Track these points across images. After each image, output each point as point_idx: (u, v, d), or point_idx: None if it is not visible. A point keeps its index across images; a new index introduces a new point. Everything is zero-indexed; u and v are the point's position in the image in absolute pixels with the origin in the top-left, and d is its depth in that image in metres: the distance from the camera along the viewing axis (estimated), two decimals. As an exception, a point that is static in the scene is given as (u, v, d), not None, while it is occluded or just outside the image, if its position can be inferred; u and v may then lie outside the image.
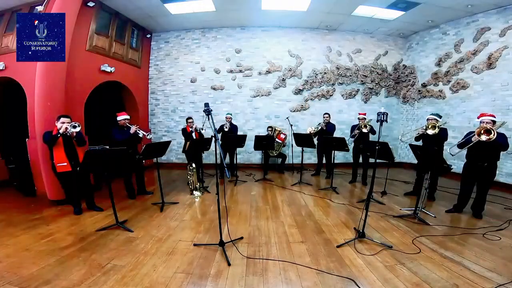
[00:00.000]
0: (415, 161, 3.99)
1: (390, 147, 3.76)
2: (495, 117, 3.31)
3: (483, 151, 3.28)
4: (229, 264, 2.37)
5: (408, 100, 7.23)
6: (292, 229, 3.18)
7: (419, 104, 6.93)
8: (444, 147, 4.07)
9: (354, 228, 3.09)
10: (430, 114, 4.15)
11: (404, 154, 7.33)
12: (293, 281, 2.15)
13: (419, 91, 6.88)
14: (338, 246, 2.71)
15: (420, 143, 4.18)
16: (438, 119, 4.06)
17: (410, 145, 3.63)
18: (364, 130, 4.98)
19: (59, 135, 3.39)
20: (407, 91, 7.22)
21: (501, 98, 5.07)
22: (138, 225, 3.26)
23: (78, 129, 3.46)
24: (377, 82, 7.21)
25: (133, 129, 4.18)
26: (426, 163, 3.49)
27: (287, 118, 6.62)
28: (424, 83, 6.72)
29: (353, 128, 5.31)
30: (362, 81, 7.16)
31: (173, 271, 2.27)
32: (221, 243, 2.61)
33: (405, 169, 6.88)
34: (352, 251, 2.61)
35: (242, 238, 2.90)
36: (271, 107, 7.09)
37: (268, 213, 3.76)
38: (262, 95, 7.07)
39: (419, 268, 2.30)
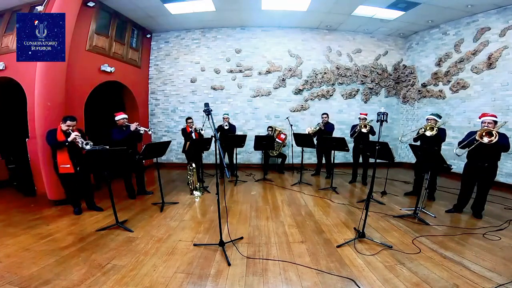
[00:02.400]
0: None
1: (390, 147, 3.75)
2: (496, 117, 3.31)
3: (484, 151, 3.27)
4: (229, 264, 2.37)
5: (408, 100, 7.23)
6: (292, 229, 3.18)
7: (419, 104, 6.93)
8: (443, 147, 4.06)
9: (354, 228, 3.09)
10: (430, 114, 4.12)
11: (404, 154, 7.33)
12: (293, 281, 2.15)
13: (419, 91, 6.88)
14: (338, 246, 2.71)
15: (418, 143, 4.18)
16: (437, 119, 4.05)
17: (410, 145, 3.63)
18: (364, 130, 4.97)
19: (66, 143, 3.36)
20: (407, 91, 7.22)
21: (501, 98, 5.07)
22: (138, 225, 3.27)
23: (88, 147, 3.35)
24: (377, 82, 7.21)
25: (133, 126, 4.17)
26: (426, 163, 3.49)
27: (287, 118, 6.62)
28: (424, 83, 6.72)
29: (353, 128, 5.30)
30: (362, 81, 7.16)
31: (173, 271, 2.27)
32: (221, 243, 2.61)
33: (405, 169, 6.88)
34: (352, 251, 2.61)
35: (242, 238, 2.91)
36: (271, 107, 7.09)
37: (268, 213, 3.76)
38: (262, 95, 7.07)
39: (419, 268, 2.31)
